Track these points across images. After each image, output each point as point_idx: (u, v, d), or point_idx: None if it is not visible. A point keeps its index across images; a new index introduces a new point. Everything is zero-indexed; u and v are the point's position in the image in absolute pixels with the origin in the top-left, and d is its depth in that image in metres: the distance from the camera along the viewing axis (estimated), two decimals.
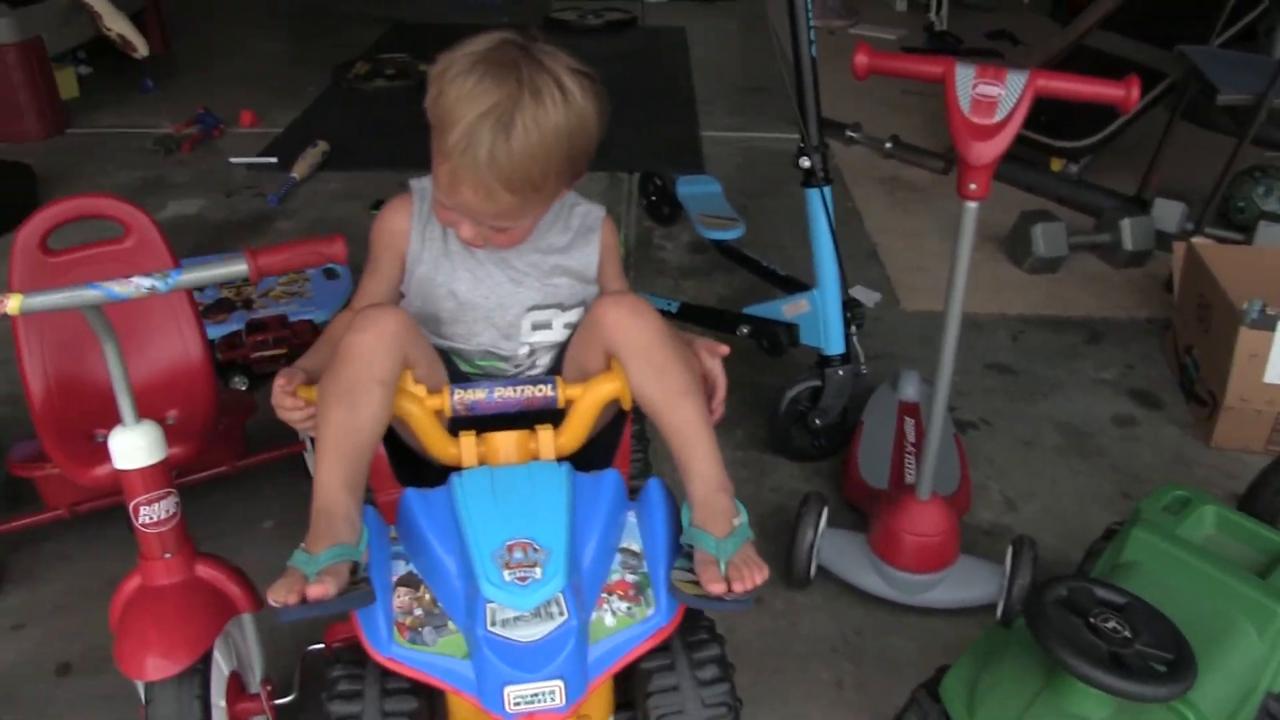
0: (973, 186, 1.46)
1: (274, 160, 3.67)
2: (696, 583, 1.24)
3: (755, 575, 1.23)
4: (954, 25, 5.30)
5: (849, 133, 3.76)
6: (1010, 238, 3.03)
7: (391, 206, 1.46)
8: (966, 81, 1.43)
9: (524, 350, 1.47)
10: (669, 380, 1.33)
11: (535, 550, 1.21)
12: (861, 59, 1.49)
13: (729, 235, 2.64)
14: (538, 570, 1.19)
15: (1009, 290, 2.88)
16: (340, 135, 3.81)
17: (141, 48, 4.13)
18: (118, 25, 4.08)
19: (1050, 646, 1.19)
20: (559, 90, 1.28)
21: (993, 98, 1.42)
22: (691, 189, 2.91)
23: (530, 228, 1.39)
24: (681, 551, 1.31)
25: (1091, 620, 1.23)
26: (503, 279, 1.43)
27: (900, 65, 1.51)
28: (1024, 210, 3.02)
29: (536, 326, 1.46)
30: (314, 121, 4.09)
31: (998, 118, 1.42)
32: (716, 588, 1.22)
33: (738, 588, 1.22)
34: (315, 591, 1.14)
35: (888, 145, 3.72)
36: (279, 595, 1.15)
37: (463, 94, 1.28)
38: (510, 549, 1.21)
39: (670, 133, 3.99)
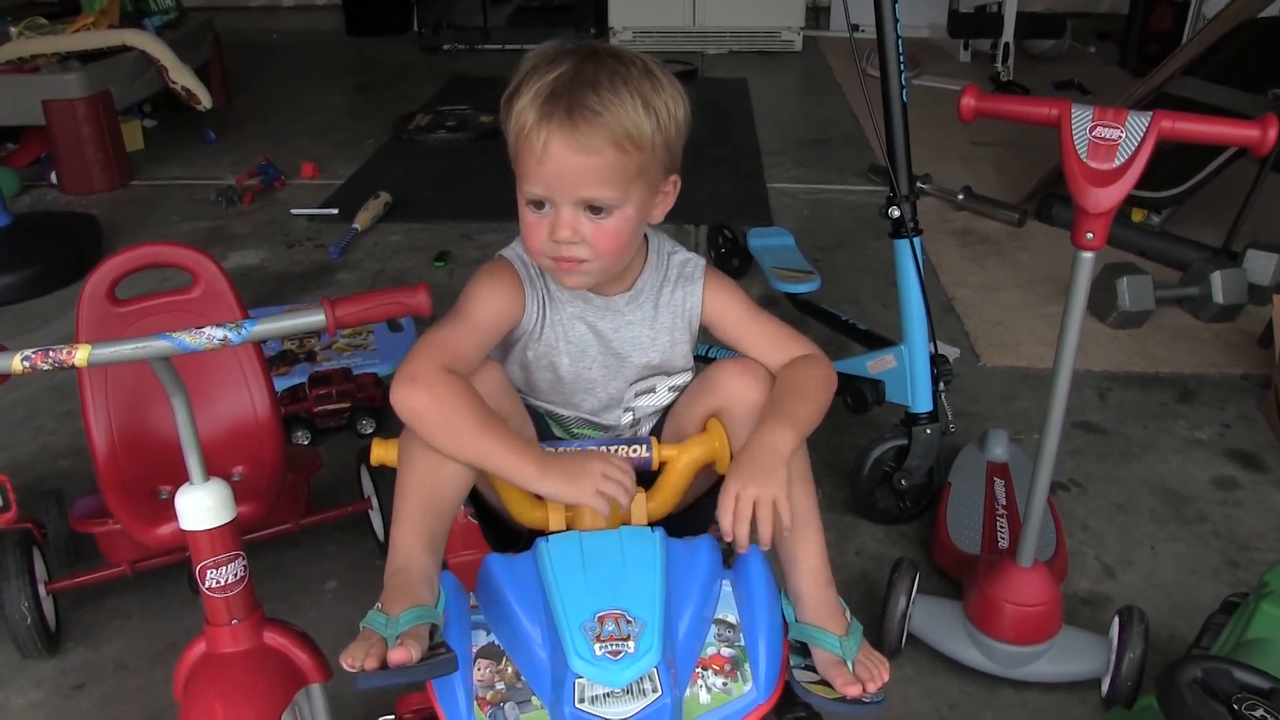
0: (1089, 235, 1.37)
1: (335, 211, 3.66)
2: (823, 682, 1.17)
3: (883, 672, 1.16)
4: (1020, 75, 5.22)
5: (919, 184, 3.68)
6: (1093, 291, 2.92)
7: (502, 280, 1.32)
8: (1084, 124, 1.34)
9: (626, 419, 1.39)
10: None
11: (628, 622, 1.12)
12: (969, 101, 1.41)
13: (804, 288, 2.55)
14: (631, 644, 1.10)
15: (1093, 346, 2.77)
16: (401, 187, 3.79)
17: (205, 100, 4.16)
18: (182, 78, 4.11)
19: None
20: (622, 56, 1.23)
21: (1112, 140, 1.33)
22: (764, 241, 2.83)
23: (629, 228, 1.25)
24: (791, 648, 1.23)
25: (1235, 707, 1.12)
26: (605, 361, 1.35)
27: (1010, 107, 1.42)
28: (1107, 263, 2.91)
29: (641, 393, 1.38)
30: (375, 173, 4.07)
31: (1118, 162, 1.33)
32: (853, 690, 1.15)
33: (871, 688, 1.15)
34: (397, 656, 1.06)
35: (959, 197, 3.64)
36: (355, 659, 1.06)
37: (534, 73, 1.20)
38: (601, 620, 1.12)
39: (736, 184, 3.94)
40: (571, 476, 1.18)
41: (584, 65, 1.20)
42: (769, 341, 1.34)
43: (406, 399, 1.19)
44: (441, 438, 1.19)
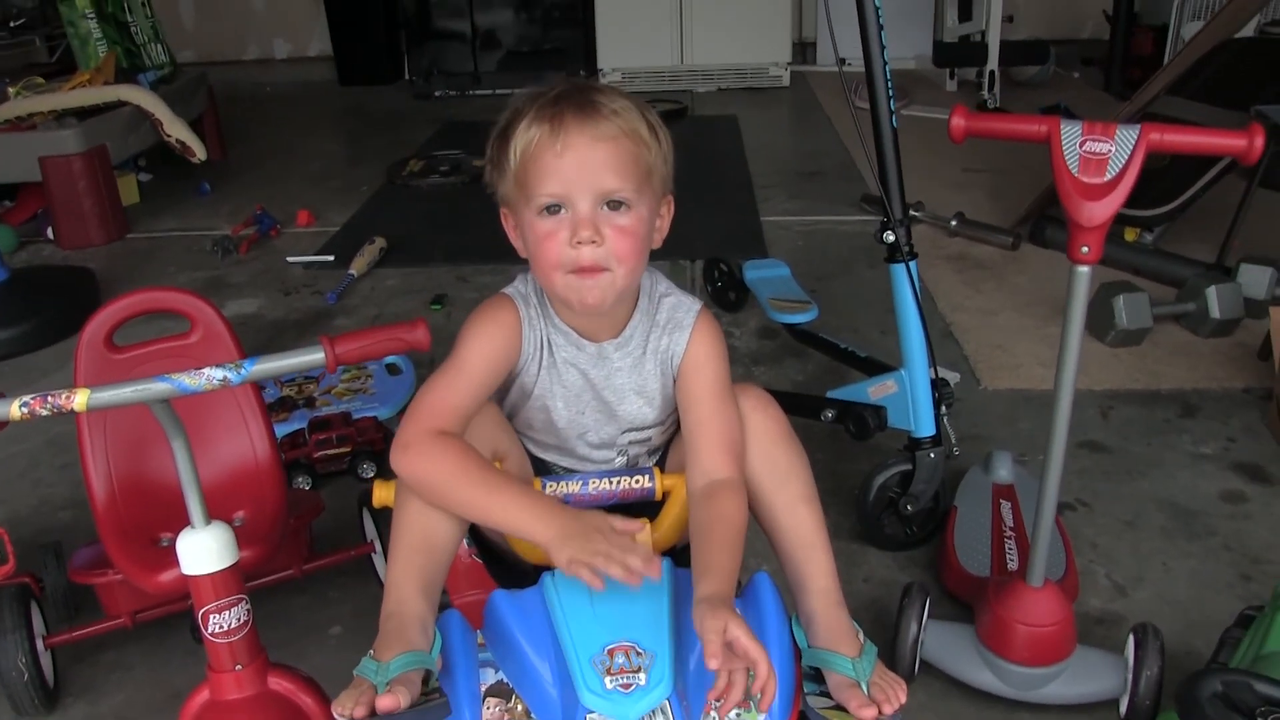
0: (1085, 249, 1.37)
1: (330, 258, 3.66)
2: (838, 707, 1.15)
3: (899, 693, 1.15)
4: (1007, 102, 5.26)
5: (912, 211, 3.69)
6: (1090, 310, 2.92)
7: (499, 320, 1.31)
8: (1073, 139, 1.35)
9: (620, 461, 1.39)
10: (791, 485, 1.25)
11: (638, 654, 1.11)
12: (958, 121, 1.42)
13: (802, 318, 2.56)
14: (641, 676, 1.09)
15: (1093, 365, 2.77)
16: (396, 232, 3.80)
17: (200, 152, 4.17)
18: (176, 131, 4.13)
19: None
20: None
21: (1103, 155, 1.33)
22: (760, 273, 2.84)
23: (644, 230, 1.25)
24: (805, 674, 1.21)
25: None
26: (598, 406, 1.35)
27: (1000, 126, 1.43)
28: (1103, 282, 2.91)
29: (634, 441, 1.38)
30: (370, 219, 4.09)
31: (1109, 175, 1.33)
32: (868, 713, 1.13)
33: (887, 710, 1.13)
34: (386, 703, 1.05)
35: (953, 223, 3.65)
36: (345, 708, 1.06)
37: (528, 105, 1.24)
38: (611, 654, 1.11)
39: (730, 219, 3.96)
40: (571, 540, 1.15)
41: (577, 86, 1.24)
42: (714, 443, 1.29)
43: (402, 468, 1.21)
44: (443, 502, 1.21)
